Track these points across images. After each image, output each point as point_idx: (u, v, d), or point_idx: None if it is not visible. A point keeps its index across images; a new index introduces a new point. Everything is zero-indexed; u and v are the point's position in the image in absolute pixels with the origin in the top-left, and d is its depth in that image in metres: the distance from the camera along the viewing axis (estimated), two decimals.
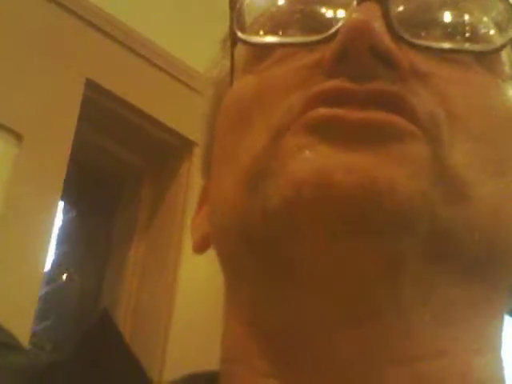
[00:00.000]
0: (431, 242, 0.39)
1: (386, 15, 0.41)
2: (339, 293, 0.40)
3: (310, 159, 0.39)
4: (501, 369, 0.44)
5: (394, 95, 0.40)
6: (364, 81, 0.40)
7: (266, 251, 0.42)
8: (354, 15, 0.41)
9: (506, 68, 0.45)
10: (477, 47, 0.44)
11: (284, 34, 0.46)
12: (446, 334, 0.41)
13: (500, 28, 0.45)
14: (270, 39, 0.46)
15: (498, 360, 0.44)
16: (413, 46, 0.42)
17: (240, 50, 0.47)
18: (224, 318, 0.47)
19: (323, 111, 0.40)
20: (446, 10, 0.45)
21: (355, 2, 0.42)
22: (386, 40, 0.41)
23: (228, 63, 0.48)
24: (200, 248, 0.50)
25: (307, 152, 0.39)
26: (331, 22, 0.43)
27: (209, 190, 0.49)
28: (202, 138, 0.53)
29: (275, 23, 0.46)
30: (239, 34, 0.46)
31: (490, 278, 0.43)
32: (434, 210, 0.39)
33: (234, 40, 0.47)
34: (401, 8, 0.44)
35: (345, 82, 0.40)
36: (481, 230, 0.41)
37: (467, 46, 0.44)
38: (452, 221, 0.40)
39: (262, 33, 0.46)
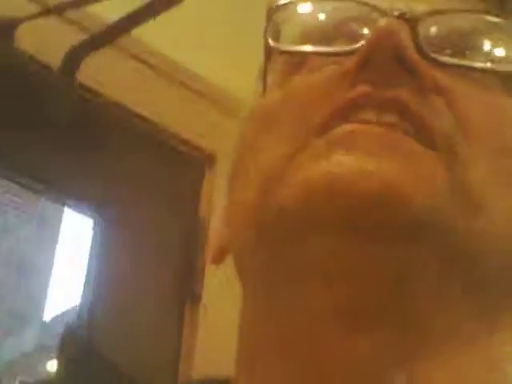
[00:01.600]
0: (444, 254, 0.40)
1: (413, 33, 0.42)
2: (349, 297, 0.40)
3: (326, 163, 0.40)
4: (506, 377, 0.43)
5: (414, 114, 0.41)
6: (385, 85, 0.41)
7: (279, 250, 0.42)
8: (382, 23, 0.42)
9: None
10: (501, 67, 0.45)
11: (315, 45, 0.46)
12: (455, 345, 0.41)
13: None
14: (302, 48, 0.47)
15: (504, 370, 0.43)
16: (438, 63, 0.43)
17: (273, 68, 0.49)
18: (239, 323, 0.48)
19: (342, 129, 0.41)
20: (474, 36, 0.45)
21: (384, 20, 0.43)
22: (412, 51, 0.41)
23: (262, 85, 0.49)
24: (217, 259, 0.51)
25: (323, 158, 0.40)
26: (361, 36, 0.44)
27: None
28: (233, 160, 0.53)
29: (307, 38, 0.47)
30: (272, 43, 0.47)
31: (503, 289, 0.43)
32: (448, 223, 0.39)
33: (267, 54, 0.48)
34: (428, 30, 0.44)
35: (364, 89, 0.41)
36: (495, 242, 0.41)
37: (491, 65, 0.45)
38: (467, 233, 0.40)
39: (293, 44, 0.47)
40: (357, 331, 0.40)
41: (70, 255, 6.65)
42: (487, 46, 0.45)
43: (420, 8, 0.45)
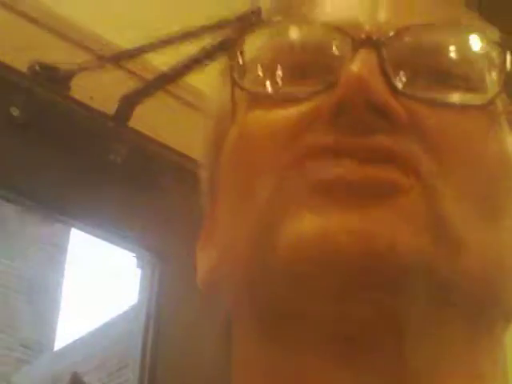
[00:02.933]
0: (432, 294, 0.41)
1: (381, 64, 0.42)
2: (342, 344, 0.41)
3: (313, 221, 0.40)
4: None
5: (390, 150, 0.41)
6: (362, 134, 0.41)
7: (268, 307, 0.43)
8: (352, 68, 0.42)
9: (500, 108, 0.46)
10: (471, 100, 0.45)
11: (283, 77, 0.46)
12: (443, 371, 0.42)
13: (493, 70, 0.45)
14: (269, 91, 0.46)
15: None
16: (409, 97, 0.43)
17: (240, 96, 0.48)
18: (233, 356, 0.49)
19: (325, 173, 0.41)
20: (441, 53, 0.45)
21: (350, 49, 0.43)
22: (383, 94, 0.41)
23: (228, 97, 0.49)
24: (206, 286, 0.51)
25: (309, 214, 0.41)
26: (329, 68, 0.44)
27: (213, 223, 0.50)
28: (204, 168, 0.54)
29: (274, 65, 0.46)
30: (238, 80, 0.47)
31: (489, 318, 0.44)
32: (432, 264, 0.40)
33: (233, 81, 0.47)
34: (396, 51, 0.44)
35: (344, 136, 0.41)
36: (478, 278, 0.42)
37: (462, 98, 0.45)
38: (451, 273, 0.41)
39: (260, 74, 0.47)
40: (346, 366, 0.41)
41: (80, 283, 6.67)
42: (461, 68, 0.45)
43: (393, 22, 0.45)
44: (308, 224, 0.40)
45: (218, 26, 1.50)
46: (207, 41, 1.55)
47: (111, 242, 1.87)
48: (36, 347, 5.98)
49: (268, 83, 0.47)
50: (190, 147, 1.71)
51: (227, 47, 1.58)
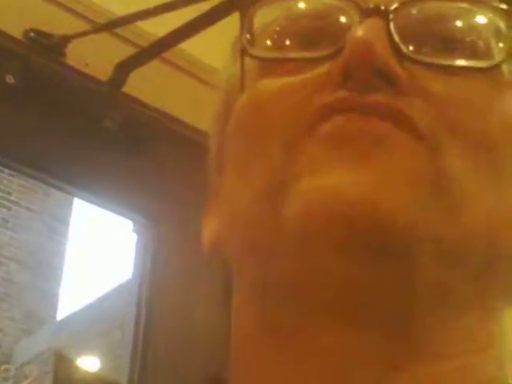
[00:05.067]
0: (438, 256, 0.41)
1: (388, 31, 0.43)
2: (348, 307, 0.42)
3: (321, 178, 0.41)
4: (501, 367, 0.45)
5: (394, 107, 0.42)
6: (366, 93, 0.42)
7: (274, 267, 0.43)
8: (359, 33, 0.43)
9: (506, 76, 0.46)
10: (476, 63, 0.45)
11: (292, 46, 0.47)
12: (444, 337, 0.42)
13: (499, 39, 0.46)
14: (278, 54, 0.47)
15: (498, 358, 0.45)
16: (415, 62, 0.43)
17: (249, 65, 0.48)
18: (232, 320, 0.49)
19: (329, 127, 0.42)
20: (448, 23, 0.46)
21: (358, 18, 0.44)
22: (388, 60, 0.42)
23: (238, 69, 0.49)
24: (211, 250, 0.51)
25: (318, 175, 0.41)
26: (337, 35, 0.45)
27: (222, 189, 0.50)
28: (212, 139, 0.54)
29: (283, 34, 0.47)
30: (248, 48, 0.47)
31: (491, 281, 0.44)
32: (436, 226, 0.41)
33: (243, 49, 0.48)
34: (404, 21, 0.44)
35: (351, 93, 0.42)
36: (481, 235, 0.42)
37: (467, 62, 0.45)
38: (454, 232, 0.41)
39: (269, 43, 0.48)
40: (351, 328, 0.42)
41: (82, 253, 6.70)
42: (467, 36, 0.46)
43: None
44: (317, 182, 0.41)
45: None
46: (202, 7, 1.56)
47: (107, 207, 1.89)
48: (38, 318, 6.02)
49: (277, 51, 0.47)
50: (184, 112, 1.72)
51: (222, 13, 1.58)
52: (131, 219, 1.87)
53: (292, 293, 0.43)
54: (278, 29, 0.47)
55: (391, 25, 0.43)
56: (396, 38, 0.43)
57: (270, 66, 0.47)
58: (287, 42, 0.47)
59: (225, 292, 0.49)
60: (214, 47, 1.72)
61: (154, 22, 1.57)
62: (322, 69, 0.44)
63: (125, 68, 1.60)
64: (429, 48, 0.45)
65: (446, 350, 0.43)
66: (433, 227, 0.41)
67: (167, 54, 1.65)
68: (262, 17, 0.48)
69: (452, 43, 0.45)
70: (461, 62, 0.45)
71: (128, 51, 1.63)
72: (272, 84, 0.46)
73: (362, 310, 0.42)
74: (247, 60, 0.48)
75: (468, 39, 0.46)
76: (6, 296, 5.85)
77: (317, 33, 0.46)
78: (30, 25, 1.59)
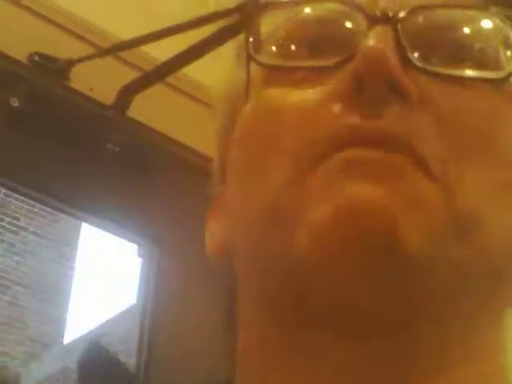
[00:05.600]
0: (448, 280, 0.41)
1: (398, 41, 0.42)
2: (356, 325, 0.42)
3: (332, 203, 0.40)
4: (507, 371, 0.46)
5: (404, 141, 0.41)
6: (377, 114, 0.41)
7: (285, 287, 0.43)
8: (370, 42, 0.42)
9: None
10: (486, 74, 0.44)
11: (298, 52, 0.46)
12: (448, 351, 0.43)
13: (508, 48, 0.45)
14: (285, 62, 0.46)
15: (501, 371, 0.45)
16: (424, 72, 0.43)
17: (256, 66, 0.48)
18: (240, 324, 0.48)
19: (343, 157, 0.41)
20: (456, 30, 0.45)
21: (366, 25, 0.43)
22: (400, 72, 0.41)
23: (242, 77, 0.48)
24: (216, 256, 0.51)
25: (329, 196, 0.41)
26: (345, 42, 0.44)
27: (226, 197, 0.50)
28: (215, 152, 0.54)
29: (290, 40, 0.46)
30: (254, 54, 0.46)
31: (501, 294, 0.45)
32: (447, 251, 0.40)
33: (249, 56, 0.47)
34: (412, 29, 0.43)
35: (360, 120, 0.41)
36: (493, 258, 0.42)
37: (476, 73, 0.44)
38: (465, 257, 0.41)
39: (275, 49, 0.46)
40: (355, 341, 0.42)
41: (90, 277, 6.70)
42: (476, 43, 0.45)
43: (407, 0, 0.44)
44: (327, 211, 0.40)
45: (217, 16, 1.51)
46: (205, 31, 1.56)
47: (112, 231, 1.88)
48: (45, 342, 6.00)
49: (283, 58, 0.46)
50: (187, 137, 1.72)
51: (226, 37, 1.59)
52: (136, 243, 1.87)
53: (305, 313, 0.43)
54: (284, 34, 0.46)
55: (399, 32, 0.43)
56: (405, 45, 0.42)
57: (275, 74, 0.46)
58: (293, 48, 0.46)
59: (227, 317, 0.49)
60: (218, 72, 1.73)
61: (158, 45, 1.57)
62: (333, 82, 0.43)
63: (129, 92, 1.60)
64: (437, 57, 0.44)
65: (450, 363, 0.42)
66: (443, 248, 0.40)
67: (171, 79, 1.66)
68: (268, 23, 0.47)
69: (461, 51, 0.45)
70: (470, 73, 0.44)
71: (132, 75, 1.63)
72: (281, 97, 0.45)
73: (372, 328, 0.41)
74: (252, 67, 0.47)
75: (477, 47, 0.45)
76: (13, 320, 5.85)
77: (324, 39, 0.45)
78: (34, 48, 1.60)
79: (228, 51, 1.53)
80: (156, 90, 1.62)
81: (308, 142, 0.42)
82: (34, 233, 6.06)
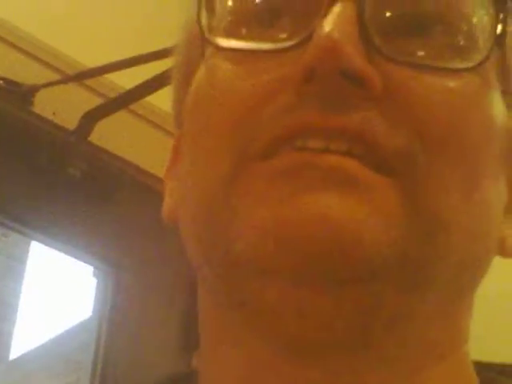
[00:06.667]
0: (402, 282, 0.39)
1: (360, 22, 0.39)
2: (303, 341, 0.39)
3: (275, 207, 0.38)
4: (471, 369, 0.45)
5: (365, 138, 0.38)
6: (333, 109, 0.38)
7: (226, 288, 0.41)
8: (325, 29, 0.38)
9: (491, 75, 0.42)
10: (456, 65, 0.41)
11: (253, 24, 0.43)
12: (405, 353, 0.41)
13: (483, 33, 0.41)
14: (238, 44, 0.42)
15: (462, 371, 0.45)
16: (389, 59, 0.39)
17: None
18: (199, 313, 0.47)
19: (288, 159, 0.38)
20: (425, 9, 0.41)
21: (326, 1, 0.39)
22: (358, 60, 0.38)
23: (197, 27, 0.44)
24: (169, 221, 0.49)
25: (272, 199, 0.38)
26: (304, 17, 0.40)
27: (181, 154, 0.47)
28: (173, 91, 0.51)
29: (243, 18, 0.43)
30: (207, 34, 0.43)
31: (461, 290, 0.43)
32: (404, 253, 0.38)
33: (202, 33, 0.44)
34: (378, 7, 0.40)
35: (311, 115, 0.38)
36: (455, 254, 0.40)
37: (445, 64, 0.40)
38: (425, 258, 0.39)
39: (227, 25, 0.43)
40: (310, 360, 0.40)
41: (37, 293, 6.63)
42: (445, 28, 0.41)
43: None
44: (270, 212, 0.38)
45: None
46: (170, 62, 1.60)
47: (67, 252, 1.90)
48: None
49: (236, 31, 0.43)
50: (148, 163, 1.76)
51: None
52: (91, 265, 1.89)
53: (250, 315, 0.41)
54: (237, 11, 0.43)
55: (364, 10, 0.39)
56: (370, 28, 0.39)
57: (233, 26, 0.43)
58: (248, 19, 0.43)
59: (184, 339, 0.52)
60: None
61: (122, 73, 1.61)
62: (285, 68, 0.40)
63: (91, 118, 1.63)
64: (404, 34, 0.41)
65: (407, 365, 0.41)
66: (401, 249, 0.38)
67: (134, 106, 1.69)
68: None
69: (429, 25, 0.41)
70: (439, 64, 0.40)
71: (95, 101, 1.66)
72: (229, 70, 0.42)
73: (323, 340, 0.39)
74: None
75: (446, 20, 0.41)
76: None
77: (279, 9, 0.42)
78: None
79: None
80: (118, 117, 1.65)
81: (250, 137, 0.40)
82: None
